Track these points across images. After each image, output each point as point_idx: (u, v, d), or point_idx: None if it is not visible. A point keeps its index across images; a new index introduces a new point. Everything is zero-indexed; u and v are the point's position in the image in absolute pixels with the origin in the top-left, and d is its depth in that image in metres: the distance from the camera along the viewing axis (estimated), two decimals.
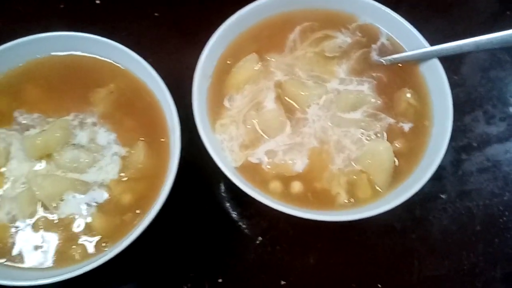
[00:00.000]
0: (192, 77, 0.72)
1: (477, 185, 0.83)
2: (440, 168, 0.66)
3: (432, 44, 0.74)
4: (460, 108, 0.86)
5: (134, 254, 0.65)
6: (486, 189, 0.82)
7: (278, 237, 0.78)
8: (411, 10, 0.91)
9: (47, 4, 0.96)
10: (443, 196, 0.81)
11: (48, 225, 0.68)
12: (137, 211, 0.68)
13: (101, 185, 0.70)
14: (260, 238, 0.78)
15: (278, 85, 0.76)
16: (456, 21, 0.97)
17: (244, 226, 0.79)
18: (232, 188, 0.70)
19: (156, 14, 0.96)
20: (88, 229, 0.68)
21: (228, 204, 0.80)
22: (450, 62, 0.87)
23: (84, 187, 0.70)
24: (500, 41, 0.67)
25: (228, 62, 0.77)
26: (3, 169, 0.71)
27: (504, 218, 0.80)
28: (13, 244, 0.67)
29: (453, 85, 0.72)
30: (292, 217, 0.65)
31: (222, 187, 0.81)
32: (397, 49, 0.78)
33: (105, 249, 0.66)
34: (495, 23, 0.98)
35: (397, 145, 0.72)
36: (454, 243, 0.78)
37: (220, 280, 0.75)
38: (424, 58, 0.75)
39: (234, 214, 0.79)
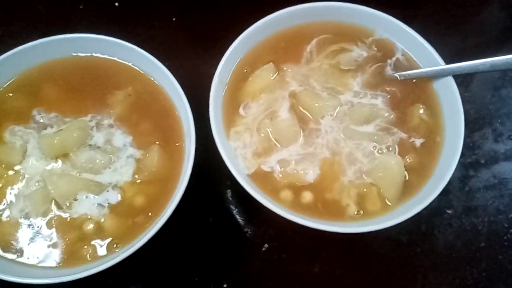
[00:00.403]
0: (208, 83, 0.73)
1: (483, 201, 0.83)
2: (448, 183, 0.67)
3: (444, 59, 0.75)
4: (470, 125, 0.87)
5: (140, 257, 0.65)
6: (492, 206, 0.83)
7: (284, 245, 0.78)
8: (423, 25, 0.91)
9: (67, 5, 0.96)
10: (449, 211, 0.81)
11: (61, 224, 0.68)
12: (149, 214, 0.69)
13: (115, 186, 0.70)
14: (266, 245, 0.78)
15: (293, 95, 0.76)
16: (468, 35, 0.97)
17: (251, 232, 0.79)
18: (242, 195, 0.70)
19: (174, 19, 0.96)
20: (100, 230, 0.68)
21: (236, 210, 0.80)
22: (462, 79, 0.88)
23: (98, 188, 0.70)
24: None
25: (245, 70, 0.78)
26: (18, 167, 0.71)
27: (509, 235, 0.80)
28: (25, 241, 0.67)
29: (464, 102, 0.72)
30: (300, 226, 0.65)
31: (231, 193, 0.81)
32: (412, 65, 0.79)
33: (116, 250, 0.67)
34: (506, 38, 0.98)
35: (408, 159, 0.72)
36: (458, 259, 0.78)
37: (225, 285, 0.75)
38: (439, 75, 0.75)
39: (241, 221, 0.80)
